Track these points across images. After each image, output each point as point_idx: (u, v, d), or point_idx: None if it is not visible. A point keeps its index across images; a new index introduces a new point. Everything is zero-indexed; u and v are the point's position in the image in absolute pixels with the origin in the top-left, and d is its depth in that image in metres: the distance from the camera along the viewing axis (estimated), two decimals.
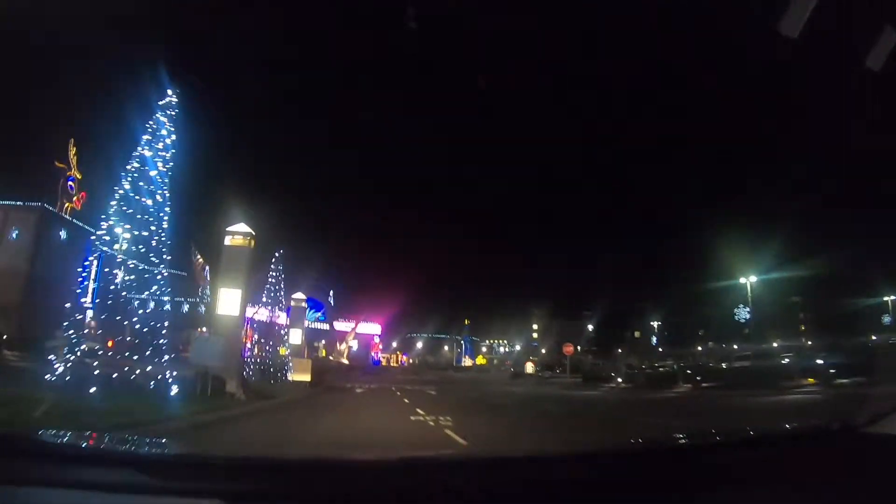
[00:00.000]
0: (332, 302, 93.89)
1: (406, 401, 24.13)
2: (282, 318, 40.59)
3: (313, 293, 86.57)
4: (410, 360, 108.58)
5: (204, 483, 2.04)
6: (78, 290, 19.94)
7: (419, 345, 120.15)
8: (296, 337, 39.90)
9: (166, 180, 19.37)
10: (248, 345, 48.78)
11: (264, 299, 37.94)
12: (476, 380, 61.98)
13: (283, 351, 40.77)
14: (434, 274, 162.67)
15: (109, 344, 17.98)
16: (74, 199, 63.72)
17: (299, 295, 40.41)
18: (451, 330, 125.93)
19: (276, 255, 38.64)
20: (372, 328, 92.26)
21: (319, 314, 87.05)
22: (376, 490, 2.06)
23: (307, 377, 34.12)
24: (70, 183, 63.16)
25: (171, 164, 19.58)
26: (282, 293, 39.00)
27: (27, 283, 56.78)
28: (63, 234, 61.91)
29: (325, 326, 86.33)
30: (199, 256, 47.86)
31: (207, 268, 48.26)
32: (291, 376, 34.29)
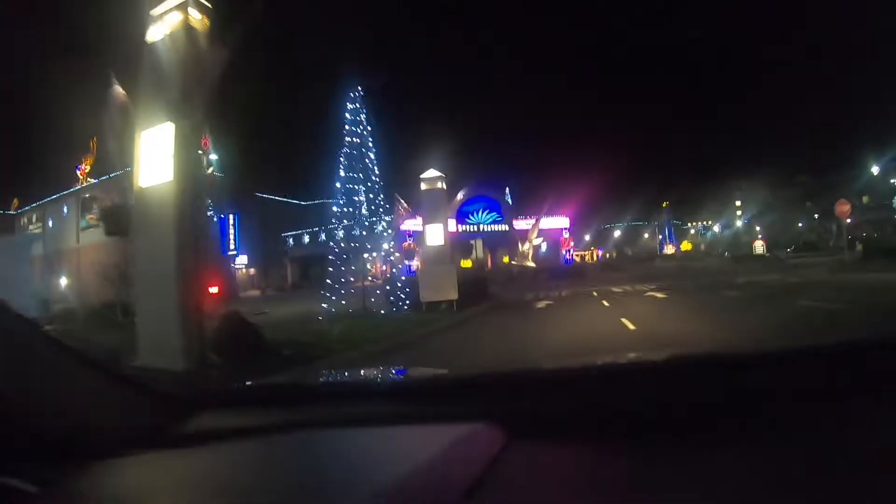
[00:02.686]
0: (509, 200, 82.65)
1: (630, 325, 13.44)
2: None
3: (483, 190, 76.34)
4: (607, 255, 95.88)
5: (466, 406, 1.80)
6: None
7: (616, 235, 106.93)
8: (434, 237, 26.85)
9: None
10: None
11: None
12: (692, 270, 48.69)
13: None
14: (623, 155, 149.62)
15: None
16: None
17: (431, 173, 27.15)
18: (650, 216, 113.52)
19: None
20: (559, 222, 78.38)
21: (494, 214, 76.14)
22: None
23: (451, 295, 21.95)
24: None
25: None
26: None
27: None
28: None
29: (504, 227, 74.99)
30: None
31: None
32: (424, 296, 22.26)
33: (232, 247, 65.99)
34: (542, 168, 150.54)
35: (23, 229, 68.30)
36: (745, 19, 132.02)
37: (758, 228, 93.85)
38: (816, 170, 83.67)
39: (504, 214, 76.61)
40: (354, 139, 22.94)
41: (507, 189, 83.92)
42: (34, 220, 69.20)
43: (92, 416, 1.58)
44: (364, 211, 22.80)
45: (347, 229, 23.31)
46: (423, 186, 26.46)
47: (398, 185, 44.08)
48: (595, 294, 25.75)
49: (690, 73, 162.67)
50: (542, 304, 22.46)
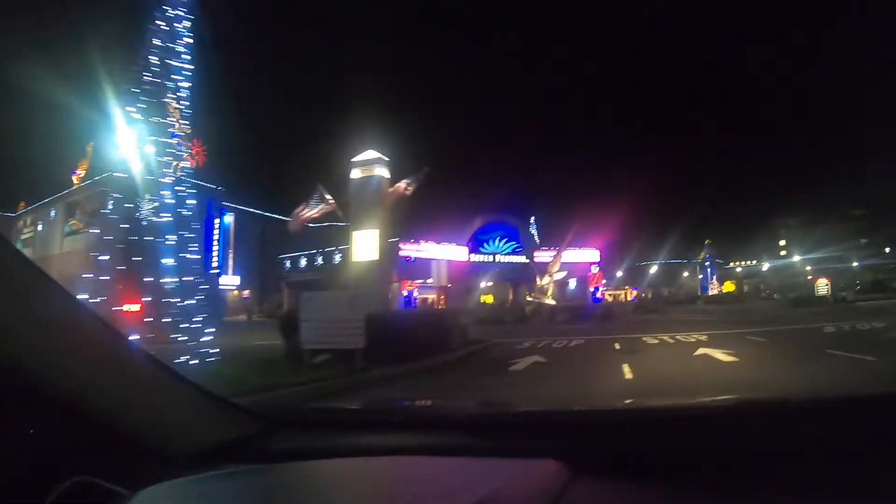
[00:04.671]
0: (534, 232, 74.02)
1: None
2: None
3: (501, 217, 68.12)
4: (642, 294, 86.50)
5: (534, 441, 1.88)
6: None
7: (652, 273, 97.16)
8: (364, 247, 17.25)
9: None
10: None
11: None
12: (746, 313, 40.50)
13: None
14: (661, 188, 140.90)
15: None
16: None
17: (368, 154, 18.18)
18: (689, 254, 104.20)
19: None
20: (588, 255, 68.93)
21: (513, 244, 67.50)
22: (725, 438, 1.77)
23: (350, 341, 12.57)
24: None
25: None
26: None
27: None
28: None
29: (523, 259, 66.07)
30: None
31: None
32: (307, 339, 13.02)
33: (215, 264, 60.26)
34: (571, 198, 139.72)
35: (18, 233, 66.86)
36: (788, 42, 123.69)
37: (808, 268, 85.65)
38: (873, 202, 75.81)
39: (525, 245, 68.06)
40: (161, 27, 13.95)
41: (533, 219, 75.47)
42: (28, 223, 67.25)
43: (183, 427, 1.75)
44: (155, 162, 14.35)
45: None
46: (356, 174, 18.04)
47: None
48: (617, 347, 17.28)
49: (733, 101, 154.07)
50: (524, 365, 13.80)
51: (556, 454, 1.69)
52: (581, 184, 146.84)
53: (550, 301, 54.91)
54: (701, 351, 14.49)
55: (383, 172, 18.34)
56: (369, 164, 18.30)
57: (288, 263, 72.80)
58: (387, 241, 17.39)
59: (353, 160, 18.73)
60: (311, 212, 25.95)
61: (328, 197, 25.69)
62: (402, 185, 20.44)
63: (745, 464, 1.62)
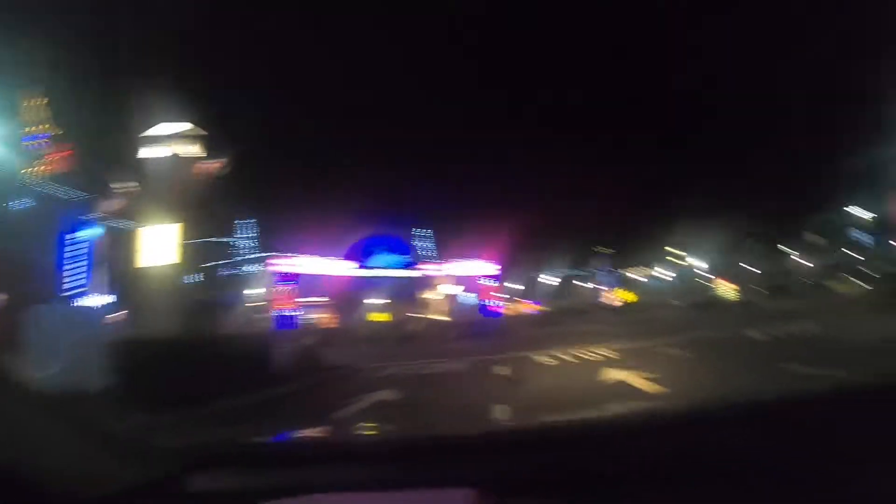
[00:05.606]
0: (427, 247, 70.40)
1: None
2: None
3: (393, 230, 64.45)
4: (541, 307, 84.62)
5: (451, 468, 1.82)
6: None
7: (552, 284, 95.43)
8: (155, 249, 13.84)
9: None
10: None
11: None
12: (650, 321, 37.72)
13: None
14: (558, 198, 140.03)
15: None
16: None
17: (171, 127, 14.63)
18: (588, 264, 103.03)
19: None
20: (485, 268, 66.41)
21: (404, 257, 63.47)
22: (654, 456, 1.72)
23: (89, 375, 8.00)
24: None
25: None
26: None
27: None
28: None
29: (414, 273, 62.52)
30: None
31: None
32: (34, 371, 7.90)
33: (74, 283, 52.62)
34: (467, 210, 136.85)
35: None
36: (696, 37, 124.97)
37: (705, 273, 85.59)
38: (758, 204, 75.98)
39: (416, 258, 64.47)
40: None
41: (426, 231, 72.09)
42: None
43: (94, 470, 1.61)
44: None
45: None
46: (149, 151, 13.88)
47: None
48: (501, 373, 13.18)
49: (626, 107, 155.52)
50: (358, 408, 9.35)
51: (476, 481, 1.63)
52: (477, 195, 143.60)
53: (442, 317, 51.15)
54: (614, 376, 10.30)
55: (196, 150, 14.05)
56: (166, 140, 13.98)
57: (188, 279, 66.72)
58: (191, 239, 12.79)
59: (145, 133, 13.85)
60: (109, 206, 21.32)
61: (119, 185, 20.82)
62: (213, 164, 16.38)
63: (672, 476, 1.59)
